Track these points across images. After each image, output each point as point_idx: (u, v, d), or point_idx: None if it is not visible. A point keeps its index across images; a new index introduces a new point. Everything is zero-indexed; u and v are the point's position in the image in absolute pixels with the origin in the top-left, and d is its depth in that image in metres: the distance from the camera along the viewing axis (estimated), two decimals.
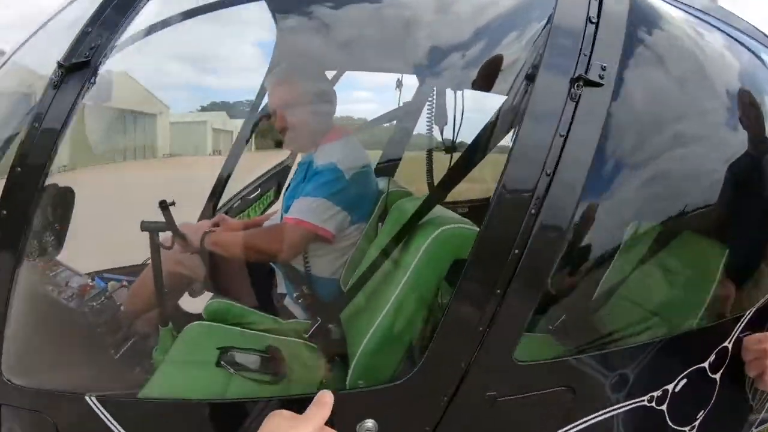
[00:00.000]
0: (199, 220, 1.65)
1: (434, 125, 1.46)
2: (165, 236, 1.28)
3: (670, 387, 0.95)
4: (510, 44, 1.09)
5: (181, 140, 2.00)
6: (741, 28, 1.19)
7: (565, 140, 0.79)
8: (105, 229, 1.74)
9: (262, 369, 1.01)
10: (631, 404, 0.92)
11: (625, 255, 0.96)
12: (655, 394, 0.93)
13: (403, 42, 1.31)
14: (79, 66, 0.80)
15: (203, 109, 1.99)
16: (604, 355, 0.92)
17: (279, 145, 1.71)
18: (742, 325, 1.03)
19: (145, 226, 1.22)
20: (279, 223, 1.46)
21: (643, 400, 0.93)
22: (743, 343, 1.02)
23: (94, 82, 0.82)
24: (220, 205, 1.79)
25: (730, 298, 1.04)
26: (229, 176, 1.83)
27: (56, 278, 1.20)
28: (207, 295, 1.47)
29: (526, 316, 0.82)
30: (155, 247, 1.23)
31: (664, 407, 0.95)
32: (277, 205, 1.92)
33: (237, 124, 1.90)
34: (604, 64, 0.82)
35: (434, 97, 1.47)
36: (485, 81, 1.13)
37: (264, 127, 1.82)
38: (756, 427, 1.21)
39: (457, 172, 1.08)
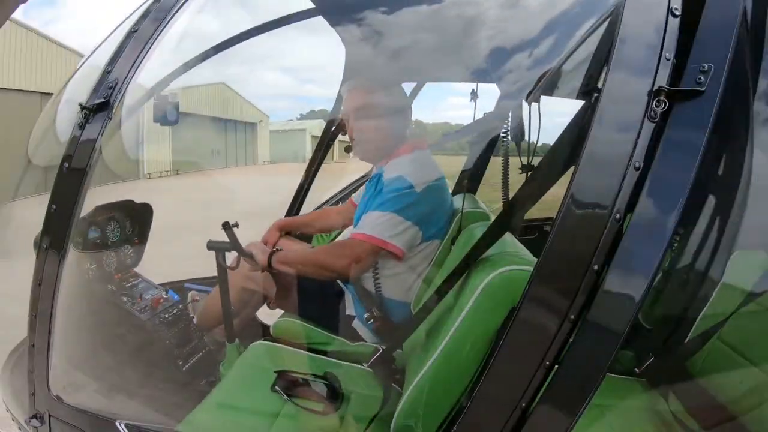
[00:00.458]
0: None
1: (510, 140, 1.28)
2: (231, 256, 1.29)
3: None
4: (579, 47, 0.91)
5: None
6: None
7: (642, 174, 0.60)
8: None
9: (317, 399, 0.93)
10: None
11: None
12: None
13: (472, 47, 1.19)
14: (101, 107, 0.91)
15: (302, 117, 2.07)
16: None
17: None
18: None
19: (211, 245, 1.23)
20: (347, 239, 1.40)
21: None
22: None
23: (111, 118, 0.92)
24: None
25: None
26: (309, 185, 1.87)
27: (132, 290, 1.26)
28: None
29: None
30: (222, 265, 1.23)
31: None
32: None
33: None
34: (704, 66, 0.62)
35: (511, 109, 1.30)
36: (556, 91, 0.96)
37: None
38: None
39: (522, 198, 0.93)
